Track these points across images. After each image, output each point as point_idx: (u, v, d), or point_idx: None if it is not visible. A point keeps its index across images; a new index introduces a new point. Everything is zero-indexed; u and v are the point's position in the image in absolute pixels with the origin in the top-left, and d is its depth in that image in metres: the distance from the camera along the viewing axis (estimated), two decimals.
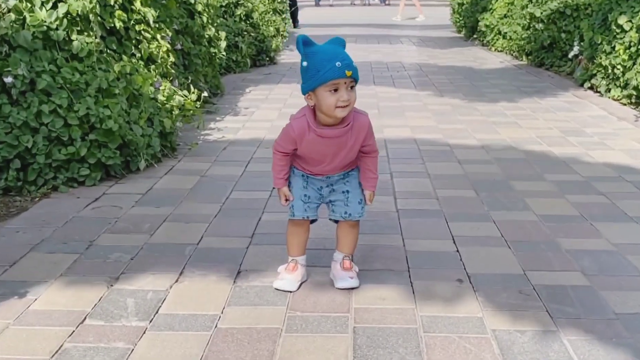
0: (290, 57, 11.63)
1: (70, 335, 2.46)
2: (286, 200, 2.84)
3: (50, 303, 2.72)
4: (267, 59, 10.55)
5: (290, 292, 2.82)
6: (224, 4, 9.72)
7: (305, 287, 2.87)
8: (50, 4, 4.28)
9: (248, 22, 10.23)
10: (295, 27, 16.39)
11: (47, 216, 3.71)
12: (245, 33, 9.87)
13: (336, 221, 2.92)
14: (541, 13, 10.01)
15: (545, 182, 4.39)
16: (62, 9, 4.28)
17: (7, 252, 3.20)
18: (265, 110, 6.91)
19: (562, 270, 3.05)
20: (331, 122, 2.64)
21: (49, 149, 4.07)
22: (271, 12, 11.72)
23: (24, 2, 4.18)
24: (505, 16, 12.16)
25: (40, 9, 4.25)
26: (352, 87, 2.57)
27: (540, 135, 5.74)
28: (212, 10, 7.54)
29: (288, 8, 14.93)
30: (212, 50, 7.32)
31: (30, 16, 4.15)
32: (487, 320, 2.59)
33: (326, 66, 2.52)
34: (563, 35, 9.50)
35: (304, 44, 2.59)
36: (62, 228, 3.54)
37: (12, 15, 4.05)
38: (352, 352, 2.38)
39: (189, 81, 6.10)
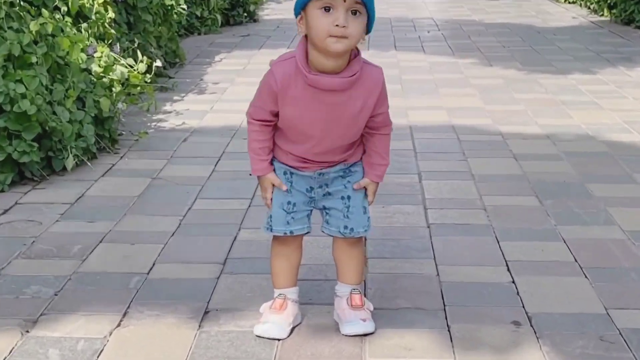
0: (276, 11, 11.90)
1: None
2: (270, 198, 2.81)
3: None
4: (245, 14, 10.86)
5: (279, 340, 2.83)
6: None
7: (298, 333, 2.90)
8: None
9: None
10: None
11: None
12: None
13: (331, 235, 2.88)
14: None
15: (636, 185, 4.50)
16: None
17: None
18: (241, 85, 7.10)
19: None
20: (329, 68, 2.57)
21: None
22: None
23: None
24: None
25: None
26: (355, 13, 2.50)
27: (629, 119, 5.89)
28: None
29: None
30: (167, 2, 7.48)
31: None
32: None
33: None
34: None
35: None
36: None
37: None
38: None
39: (136, 45, 6.22)
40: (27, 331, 2.92)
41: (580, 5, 12.03)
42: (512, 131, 5.56)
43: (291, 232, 2.79)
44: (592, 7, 11.54)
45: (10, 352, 2.78)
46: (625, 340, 2.85)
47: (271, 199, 2.78)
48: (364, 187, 2.80)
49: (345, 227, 2.79)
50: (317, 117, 2.63)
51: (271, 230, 2.80)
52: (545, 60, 8.21)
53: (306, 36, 2.58)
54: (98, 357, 2.75)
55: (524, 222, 3.94)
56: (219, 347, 2.83)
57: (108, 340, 2.86)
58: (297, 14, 2.57)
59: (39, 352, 2.78)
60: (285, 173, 2.76)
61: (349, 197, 2.78)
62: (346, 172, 2.78)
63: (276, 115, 2.67)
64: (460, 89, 6.85)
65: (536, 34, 9.90)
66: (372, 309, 2.92)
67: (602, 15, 11.09)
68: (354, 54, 2.62)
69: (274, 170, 2.77)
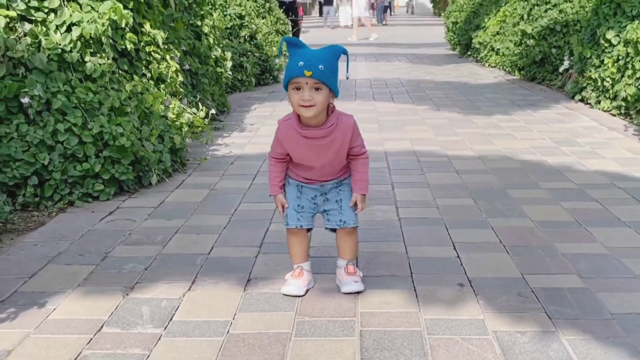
0: None
1: (88, 343, 2.46)
2: (283, 208, 2.84)
3: (68, 312, 2.72)
4: (271, 77, 10.55)
5: (298, 296, 2.82)
6: (229, 26, 9.74)
7: (312, 293, 2.87)
8: (64, 28, 4.28)
9: (252, 42, 10.24)
10: None
11: (64, 230, 3.71)
12: (250, 53, 9.90)
13: (334, 230, 2.90)
14: (532, 30, 10.02)
15: (540, 190, 4.39)
16: (75, 32, 4.28)
17: (26, 265, 3.20)
18: (270, 126, 6.87)
19: (559, 273, 3.05)
20: (313, 124, 2.63)
21: (64, 166, 4.07)
22: (274, 33, 11.74)
23: (40, 26, 4.20)
24: (497, 33, 12.15)
25: (55, 32, 4.25)
26: (317, 89, 2.54)
27: (534, 145, 5.74)
28: (217, 32, 7.57)
29: (290, 29, 14.96)
30: (218, 69, 7.34)
31: (46, 39, 4.16)
32: (488, 322, 2.59)
33: (291, 64, 2.55)
34: (554, 50, 9.55)
35: (289, 44, 2.61)
36: (78, 241, 3.54)
37: (28, 39, 4.06)
38: (359, 355, 2.37)
39: (197, 99, 6.11)
40: (127, 294, 2.88)
41: (499, 68, 11.72)
42: (455, 154, 5.43)
43: (301, 225, 2.83)
44: (507, 69, 11.23)
45: (116, 308, 2.74)
46: (536, 296, 2.81)
47: (283, 208, 2.84)
48: (355, 201, 2.80)
49: (340, 221, 2.81)
50: (312, 155, 2.69)
51: (287, 224, 2.85)
52: (476, 106, 8.00)
53: None
54: (176, 311, 2.72)
55: (465, 216, 3.87)
56: (258, 303, 2.79)
57: (182, 300, 2.81)
58: (285, 89, 2.61)
59: (135, 309, 2.74)
60: (298, 186, 2.82)
61: (341, 200, 2.81)
62: (339, 184, 2.82)
63: (285, 155, 2.75)
64: (418, 126, 6.70)
65: (469, 88, 9.65)
66: (361, 275, 2.94)
67: (515, 75, 10.82)
68: (331, 110, 2.66)
69: (289, 185, 2.84)
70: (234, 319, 2.65)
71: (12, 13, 4.07)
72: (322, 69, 2.53)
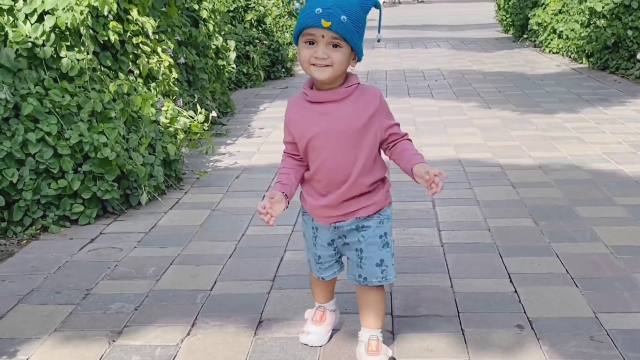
0: None
1: None
2: (267, 214, 2.46)
3: None
4: (283, 70, 10.80)
5: (320, 347, 2.84)
6: (231, 9, 9.94)
7: (337, 338, 2.90)
8: (35, 17, 4.43)
9: (260, 28, 10.50)
10: None
11: (37, 261, 3.80)
12: (257, 41, 10.13)
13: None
14: (603, 7, 10.22)
15: (616, 207, 4.46)
16: (48, 22, 4.42)
17: None
18: (282, 130, 7.00)
19: None
20: (326, 89, 2.47)
21: (36, 184, 4.20)
22: (286, 16, 11.91)
23: (6, 15, 4.34)
24: (560, 12, 12.42)
25: (25, 22, 4.40)
26: (335, 46, 2.38)
27: (607, 151, 5.83)
28: (218, 17, 7.72)
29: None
30: (220, 62, 7.53)
31: (13, 31, 4.29)
32: None
33: (305, 11, 2.39)
34: (630, 32, 9.73)
35: None
36: (54, 275, 3.62)
37: None
38: None
39: (195, 100, 6.25)
40: (114, 340, 2.94)
41: (563, 55, 11.99)
42: (510, 163, 5.52)
43: (322, 278, 2.74)
44: (572, 56, 11.50)
45: (101, 357, 2.80)
46: (612, 340, 2.83)
47: (267, 213, 2.46)
48: (423, 174, 2.48)
49: (359, 276, 2.62)
50: (325, 140, 2.47)
51: (310, 270, 2.77)
52: (534, 102, 8.15)
53: None
54: None
55: (523, 240, 3.91)
56: (272, 351, 2.83)
57: (180, 347, 2.87)
58: (295, 43, 2.47)
59: (123, 359, 2.80)
60: (313, 228, 2.67)
61: (361, 250, 2.59)
62: (359, 227, 2.59)
63: (293, 148, 2.59)
64: (464, 128, 6.82)
65: (526, 80, 9.84)
66: (390, 354, 2.71)
67: (582, 63, 11.04)
68: (350, 75, 2.52)
69: (305, 223, 2.72)
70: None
71: None
72: (345, 21, 2.35)
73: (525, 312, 3.08)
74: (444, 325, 2.99)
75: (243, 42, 9.61)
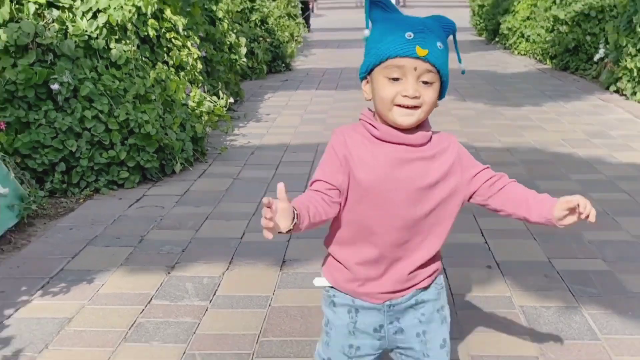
0: (305, 62, 12.17)
1: (141, 312, 2.99)
2: (268, 219, 1.59)
3: (116, 287, 3.24)
4: (283, 65, 11.10)
5: None
6: (239, 10, 10.22)
7: None
8: (90, 14, 4.80)
9: (263, 27, 10.78)
10: (308, 31, 16.97)
11: (95, 216, 4.23)
12: (261, 39, 10.43)
13: None
14: (565, 15, 10.53)
15: (570, 182, 4.88)
16: (101, 18, 4.80)
17: (66, 247, 3.73)
18: (287, 116, 7.43)
19: (585, 258, 3.56)
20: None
21: (91, 153, 4.59)
22: (286, 17, 12.26)
23: (67, 12, 4.71)
24: (528, 18, 12.68)
25: (82, 19, 4.76)
26: (426, 83, 1.69)
27: (565, 137, 6.23)
28: (231, 16, 8.05)
29: (301, 13, 15.48)
30: (232, 56, 7.86)
31: (73, 26, 4.67)
32: (515, 299, 3.10)
33: (389, 35, 1.69)
34: (588, 37, 10.02)
35: (373, 3, 1.77)
36: (111, 225, 4.07)
37: (56, 26, 4.58)
38: None
39: (217, 87, 6.59)
40: (169, 272, 3.40)
41: (530, 56, 12.27)
42: (482, 146, 5.92)
43: None
44: (538, 58, 11.80)
45: (161, 284, 3.27)
46: (561, 277, 3.31)
47: (268, 219, 1.59)
48: (575, 205, 1.79)
49: None
50: (396, 177, 1.74)
51: None
52: (504, 96, 8.49)
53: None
54: (218, 287, 3.24)
55: None
56: (295, 281, 3.29)
57: (222, 278, 3.33)
58: (362, 77, 1.81)
59: (179, 285, 3.26)
60: (349, 311, 1.84)
61: (424, 332, 1.85)
62: (418, 302, 1.85)
63: (336, 187, 1.75)
64: (444, 118, 7.09)
65: (497, 78, 10.16)
66: None
67: (546, 64, 11.32)
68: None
69: (334, 308, 1.87)
70: (273, 294, 3.17)
71: (41, 0, 4.60)
72: (441, 49, 1.71)
73: (493, 257, 3.56)
74: None
75: (249, 40, 9.89)
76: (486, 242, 3.77)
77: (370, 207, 1.76)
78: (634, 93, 7.84)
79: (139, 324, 2.90)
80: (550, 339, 2.78)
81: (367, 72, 1.77)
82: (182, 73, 5.72)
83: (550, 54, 11.15)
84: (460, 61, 1.94)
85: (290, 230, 1.62)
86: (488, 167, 1.93)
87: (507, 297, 3.12)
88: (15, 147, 4.37)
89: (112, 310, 3.01)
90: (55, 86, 4.46)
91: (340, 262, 1.84)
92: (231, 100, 6.67)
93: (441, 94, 1.77)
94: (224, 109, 6.08)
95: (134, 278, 3.35)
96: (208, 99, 5.87)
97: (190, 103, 5.53)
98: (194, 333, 2.82)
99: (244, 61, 8.23)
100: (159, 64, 5.34)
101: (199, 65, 5.96)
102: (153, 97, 4.93)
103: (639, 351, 2.69)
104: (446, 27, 1.78)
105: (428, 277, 1.85)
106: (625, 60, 8.02)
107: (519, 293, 3.16)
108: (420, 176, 1.75)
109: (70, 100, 4.59)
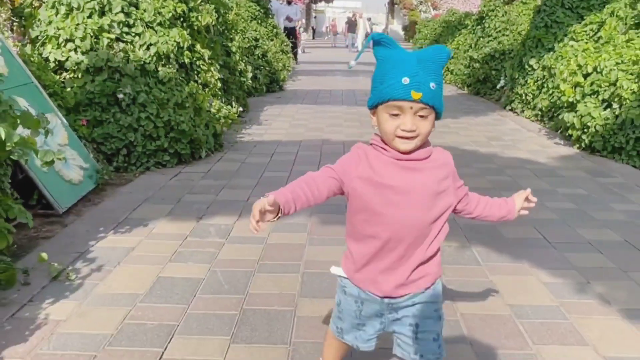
0: (293, 85, 12.37)
1: (180, 245, 3.28)
2: (257, 222, 1.58)
3: (164, 229, 3.53)
4: (277, 86, 11.24)
5: None
6: (247, 47, 10.41)
7: None
8: (145, 47, 5.02)
9: (264, 59, 10.84)
10: (296, 63, 17.17)
11: (147, 185, 4.50)
12: (262, 67, 10.56)
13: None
14: (478, 56, 10.82)
15: (472, 169, 5.20)
16: (152, 49, 5.02)
17: (128, 204, 4.00)
18: (280, 122, 7.66)
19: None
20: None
21: (144, 142, 4.84)
22: (280, 52, 12.43)
23: (129, 44, 4.94)
24: (452, 57, 12.84)
25: (139, 49, 5.00)
26: (422, 116, 1.57)
27: (472, 140, 6.55)
28: (241, 51, 8.26)
29: (290, 49, 15.67)
30: (242, 79, 8.04)
31: (133, 54, 4.90)
32: None
33: (389, 79, 1.56)
34: (493, 72, 10.33)
35: (376, 43, 1.61)
36: (159, 191, 4.33)
37: (121, 54, 4.82)
38: None
39: (231, 100, 6.83)
40: (198, 221, 3.68)
41: (453, 85, 12.37)
42: None
43: (358, 347, 1.78)
44: (458, 85, 11.98)
45: (193, 228, 3.54)
46: (460, 227, 3.65)
47: (257, 222, 1.59)
48: (526, 198, 1.84)
49: (415, 353, 1.70)
50: (405, 184, 1.60)
51: (342, 337, 1.80)
52: None
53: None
54: (231, 231, 3.52)
55: None
56: (284, 228, 3.61)
57: (234, 226, 3.60)
58: (370, 107, 1.66)
59: (205, 229, 3.53)
60: (356, 302, 1.72)
61: (417, 325, 1.69)
62: (414, 303, 1.68)
63: (333, 178, 1.64)
64: None
65: None
66: None
67: (464, 90, 11.50)
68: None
69: (345, 296, 1.75)
70: (268, 235, 3.47)
71: (112, 35, 4.83)
72: (434, 88, 1.56)
73: None
74: None
75: (253, 67, 10.08)
76: None
77: (382, 211, 1.59)
78: (523, 111, 8.19)
79: (179, 252, 3.19)
80: (448, 266, 3.11)
81: (373, 107, 1.62)
82: (207, 89, 5.93)
83: (467, 83, 11.38)
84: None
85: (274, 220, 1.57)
86: (465, 186, 1.77)
87: None
88: (93, 137, 4.63)
89: (161, 243, 3.31)
90: (120, 95, 4.71)
91: (352, 257, 1.69)
92: (240, 109, 6.87)
93: (437, 117, 1.62)
94: (236, 115, 6.29)
95: (175, 224, 3.63)
96: (224, 107, 6.08)
97: (212, 110, 5.76)
98: (216, 258, 3.12)
99: (250, 82, 8.43)
100: (191, 82, 5.54)
101: (219, 84, 6.16)
102: (187, 105, 5.16)
103: (507, 272, 3.04)
104: (442, 58, 1.58)
105: (423, 278, 1.65)
106: (518, 88, 8.37)
107: None
108: (429, 184, 1.60)
109: (130, 105, 4.82)
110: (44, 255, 2.87)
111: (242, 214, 3.84)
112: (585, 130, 5.80)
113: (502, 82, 9.65)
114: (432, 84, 1.54)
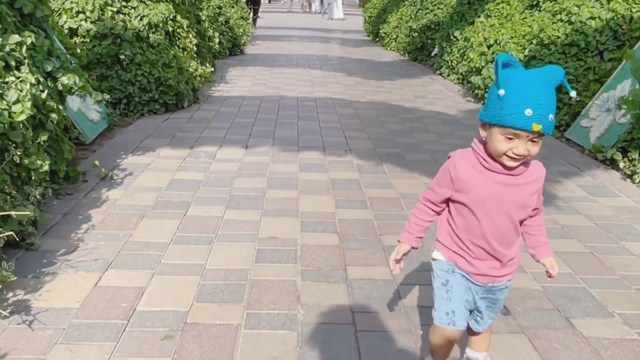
0: (252, 50, 13.52)
1: (182, 161, 4.69)
2: (396, 260, 1.90)
3: (168, 153, 4.91)
4: (239, 50, 12.42)
5: None
6: (212, 15, 11.54)
7: None
8: (139, 18, 6.28)
9: (226, 25, 11.99)
10: (254, 29, 18.26)
11: (145, 126, 5.84)
12: (225, 33, 11.71)
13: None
14: (417, 26, 12.13)
15: (396, 118, 6.65)
16: (145, 20, 6.28)
17: (134, 139, 5.34)
18: (243, 81, 8.98)
19: (383, 148, 5.41)
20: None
21: (140, 94, 6.17)
22: (241, 19, 13.57)
23: (127, 16, 6.21)
24: (397, 27, 14.16)
25: (135, 20, 6.27)
26: (534, 141, 1.63)
27: (402, 97, 7.97)
28: (209, 18, 9.46)
29: (251, 15, 16.76)
30: (210, 44, 9.27)
31: (129, 24, 6.18)
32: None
33: (512, 108, 1.59)
34: (429, 41, 11.68)
35: (504, 65, 1.65)
36: (156, 130, 5.69)
37: (121, 23, 6.10)
38: None
39: (205, 62, 8.10)
40: (191, 148, 5.07)
41: (396, 51, 13.58)
42: (355, 100, 7.57)
43: (464, 326, 1.88)
44: (401, 52, 13.17)
45: (188, 154, 4.91)
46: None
47: (398, 261, 1.90)
48: (549, 267, 1.90)
49: (492, 320, 1.98)
50: (498, 197, 1.72)
51: (454, 324, 1.84)
52: (374, 75, 9.99)
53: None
54: (216, 154, 4.95)
55: (352, 123, 6.19)
56: (256, 147, 5.08)
57: (217, 152, 5.00)
58: (481, 120, 1.71)
59: (197, 153, 4.92)
60: (463, 276, 1.85)
61: (494, 304, 1.91)
62: (506, 288, 1.89)
63: (444, 202, 1.84)
64: (335, 85, 8.75)
65: (373, 64, 11.55)
66: None
67: (405, 56, 12.73)
68: None
69: (454, 273, 1.86)
70: (243, 157, 4.91)
71: (114, 8, 6.10)
72: (552, 120, 1.61)
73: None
74: None
75: (218, 33, 11.19)
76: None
77: (474, 217, 1.74)
78: (448, 75, 9.69)
79: (182, 166, 4.60)
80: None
81: (487, 122, 1.67)
82: (185, 52, 7.20)
83: (407, 50, 12.59)
84: (570, 90, 1.67)
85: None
86: (541, 200, 1.84)
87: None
88: (101, 88, 5.95)
89: (168, 161, 4.70)
90: (122, 57, 6.02)
91: (458, 252, 1.83)
92: (212, 69, 8.14)
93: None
94: (209, 74, 7.59)
95: (175, 150, 5.02)
96: (200, 68, 7.39)
97: (190, 69, 7.08)
98: (209, 169, 4.55)
99: (216, 47, 9.65)
100: (174, 46, 6.85)
101: (194, 48, 7.45)
102: (172, 65, 6.45)
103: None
104: (556, 82, 1.61)
105: (515, 269, 1.84)
106: (445, 55, 9.87)
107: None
108: (518, 198, 1.71)
109: (129, 65, 6.12)
110: (96, 162, 4.27)
111: (222, 145, 5.25)
112: (486, 90, 7.38)
113: (435, 50, 11.03)
114: (550, 116, 1.57)
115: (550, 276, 1.88)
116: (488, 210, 1.72)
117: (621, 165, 4.70)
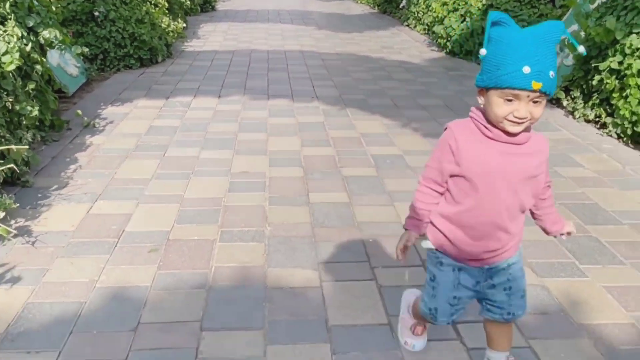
0: (223, 6, 13.70)
1: (159, 111, 5.03)
2: (403, 248, 1.74)
3: (145, 104, 5.25)
4: (210, 7, 12.60)
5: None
6: None
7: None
8: None
9: None
10: None
11: (122, 80, 6.14)
12: None
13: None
14: None
15: (362, 67, 7.01)
16: None
17: (112, 92, 5.65)
18: (215, 36, 9.23)
19: (368, 95, 5.80)
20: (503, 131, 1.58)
21: (115, 49, 6.44)
22: None
23: None
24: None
25: None
26: (536, 102, 1.51)
27: (369, 48, 8.32)
28: None
29: None
30: (180, 0, 9.50)
31: None
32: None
33: (508, 66, 1.49)
34: None
35: (494, 24, 1.53)
36: (132, 83, 6.00)
37: None
38: None
39: (177, 17, 8.33)
40: (167, 99, 5.41)
41: (366, 4, 13.92)
42: (323, 52, 7.90)
43: (453, 321, 1.83)
44: (371, 5, 13.53)
45: (164, 103, 5.27)
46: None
47: (402, 252, 1.74)
48: (568, 232, 1.80)
49: (508, 314, 1.79)
50: (503, 170, 1.59)
51: (435, 320, 1.82)
52: (344, 28, 10.30)
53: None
54: (191, 103, 5.31)
55: (324, 73, 6.54)
56: (230, 96, 5.43)
57: (192, 101, 5.39)
58: (478, 86, 1.59)
59: (174, 102, 5.30)
60: (455, 270, 1.75)
61: (510, 287, 1.76)
62: (509, 264, 1.74)
63: (446, 182, 1.68)
64: (306, 38, 9.03)
65: (344, 17, 11.87)
66: None
67: (375, 9, 13.04)
68: None
69: (441, 268, 1.76)
70: (216, 105, 5.27)
71: None
72: (553, 77, 1.49)
73: (315, 91, 5.76)
74: None
75: None
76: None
77: (477, 193, 1.61)
78: (415, 26, 10.04)
79: (159, 114, 4.94)
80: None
81: (484, 87, 1.55)
82: (157, 8, 7.46)
83: (377, 3, 12.94)
84: (576, 45, 1.59)
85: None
86: (547, 172, 1.72)
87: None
88: (78, 44, 6.20)
89: (146, 110, 5.04)
90: (96, 13, 6.26)
91: (449, 237, 1.70)
92: (184, 25, 8.40)
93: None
94: (182, 29, 7.85)
95: (151, 101, 5.34)
96: (172, 24, 7.65)
97: (163, 25, 7.34)
98: (184, 117, 4.90)
99: (187, 3, 9.86)
100: (147, 3, 7.09)
101: (166, 4, 7.70)
102: (145, 21, 6.74)
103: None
104: (557, 36, 1.50)
105: (515, 244, 1.71)
106: (412, 7, 10.18)
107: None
108: (524, 169, 1.60)
109: (103, 21, 6.37)
110: (79, 111, 4.60)
111: (196, 95, 5.59)
112: (449, 39, 7.76)
113: (403, 3, 11.37)
114: (551, 73, 1.47)
115: (569, 234, 1.81)
116: (492, 183, 1.59)
117: (565, 103, 5.14)
